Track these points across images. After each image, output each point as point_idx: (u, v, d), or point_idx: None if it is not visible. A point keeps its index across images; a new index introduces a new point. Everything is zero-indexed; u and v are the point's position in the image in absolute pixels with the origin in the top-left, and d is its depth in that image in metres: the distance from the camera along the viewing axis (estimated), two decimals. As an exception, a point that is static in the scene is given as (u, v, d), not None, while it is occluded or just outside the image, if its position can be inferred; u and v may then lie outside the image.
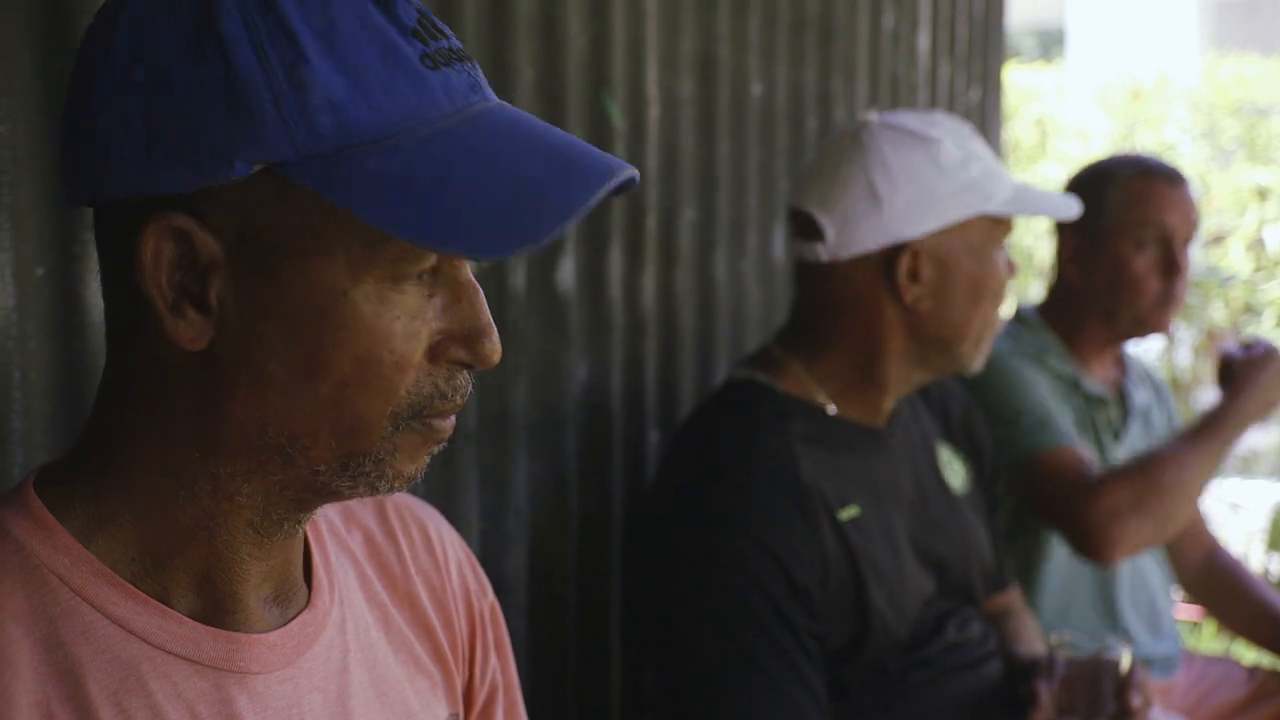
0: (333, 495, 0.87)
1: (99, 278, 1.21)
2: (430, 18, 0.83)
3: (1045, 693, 1.71)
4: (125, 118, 0.79)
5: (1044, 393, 2.28)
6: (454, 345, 0.85)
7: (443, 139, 0.80)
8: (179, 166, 0.78)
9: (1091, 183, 2.40)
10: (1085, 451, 2.22)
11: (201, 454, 0.84)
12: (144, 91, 0.79)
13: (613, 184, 0.81)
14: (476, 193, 0.78)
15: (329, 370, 0.81)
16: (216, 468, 0.84)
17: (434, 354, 0.84)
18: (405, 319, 0.82)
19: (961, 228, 1.74)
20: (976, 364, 1.80)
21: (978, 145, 1.78)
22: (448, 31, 0.84)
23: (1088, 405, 2.39)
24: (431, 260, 0.82)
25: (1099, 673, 1.71)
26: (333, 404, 0.82)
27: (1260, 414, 2.19)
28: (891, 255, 1.73)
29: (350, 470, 0.85)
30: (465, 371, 0.86)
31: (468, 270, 0.86)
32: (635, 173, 0.83)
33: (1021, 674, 1.81)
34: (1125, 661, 1.72)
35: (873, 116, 1.81)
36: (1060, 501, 2.14)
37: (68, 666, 0.81)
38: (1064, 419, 2.27)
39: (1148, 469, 2.11)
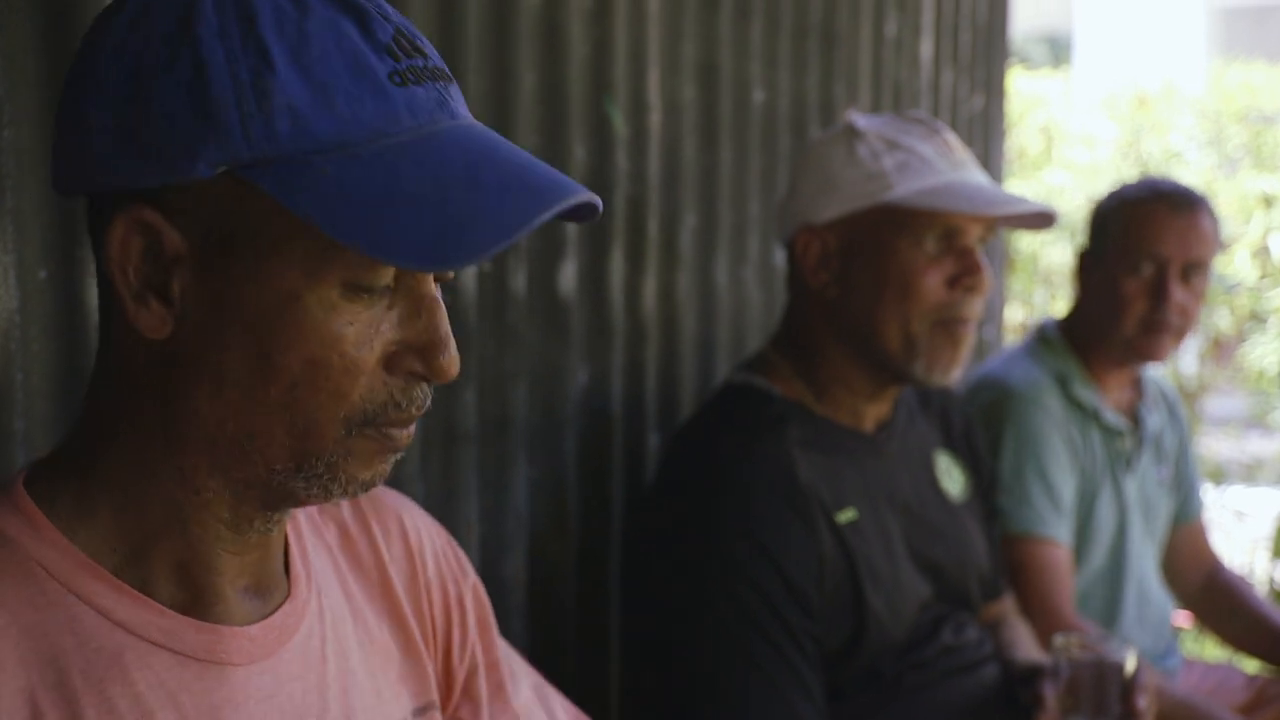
0: (292, 498, 0.89)
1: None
2: (409, 37, 0.86)
3: (1050, 695, 1.71)
4: (104, 112, 0.83)
5: (1059, 464, 2.30)
6: (410, 356, 0.87)
7: (396, 152, 0.82)
8: (145, 163, 0.82)
9: (1105, 203, 2.42)
10: (1068, 548, 2.29)
11: (167, 445, 0.87)
12: (123, 89, 0.82)
13: (560, 208, 0.83)
14: (419, 206, 0.80)
15: (280, 370, 0.84)
16: (181, 460, 0.87)
17: (390, 364, 0.87)
18: (358, 326, 0.84)
19: (867, 217, 1.74)
20: (930, 374, 1.75)
21: (921, 142, 1.76)
22: (427, 51, 0.87)
23: (1105, 437, 2.41)
24: (390, 273, 0.85)
25: (1104, 674, 1.71)
26: (285, 404, 0.84)
27: None
28: (796, 240, 1.80)
29: (304, 472, 0.87)
30: (423, 384, 0.88)
31: (430, 285, 0.88)
32: (593, 198, 0.85)
33: (1022, 679, 1.82)
34: (1130, 663, 1.72)
35: (848, 115, 1.84)
36: (1041, 595, 2.20)
37: (52, 655, 0.83)
38: (1066, 494, 2.30)
39: None
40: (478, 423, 1.75)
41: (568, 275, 1.90)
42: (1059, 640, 1.76)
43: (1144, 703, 1.70)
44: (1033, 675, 1.79)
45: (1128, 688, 1.71)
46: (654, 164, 2.10)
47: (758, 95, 2.40)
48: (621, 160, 2.01)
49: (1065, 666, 1.72)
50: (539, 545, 1.88)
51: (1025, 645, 1.99)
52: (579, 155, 1.91)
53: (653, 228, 2.11)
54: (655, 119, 2.09)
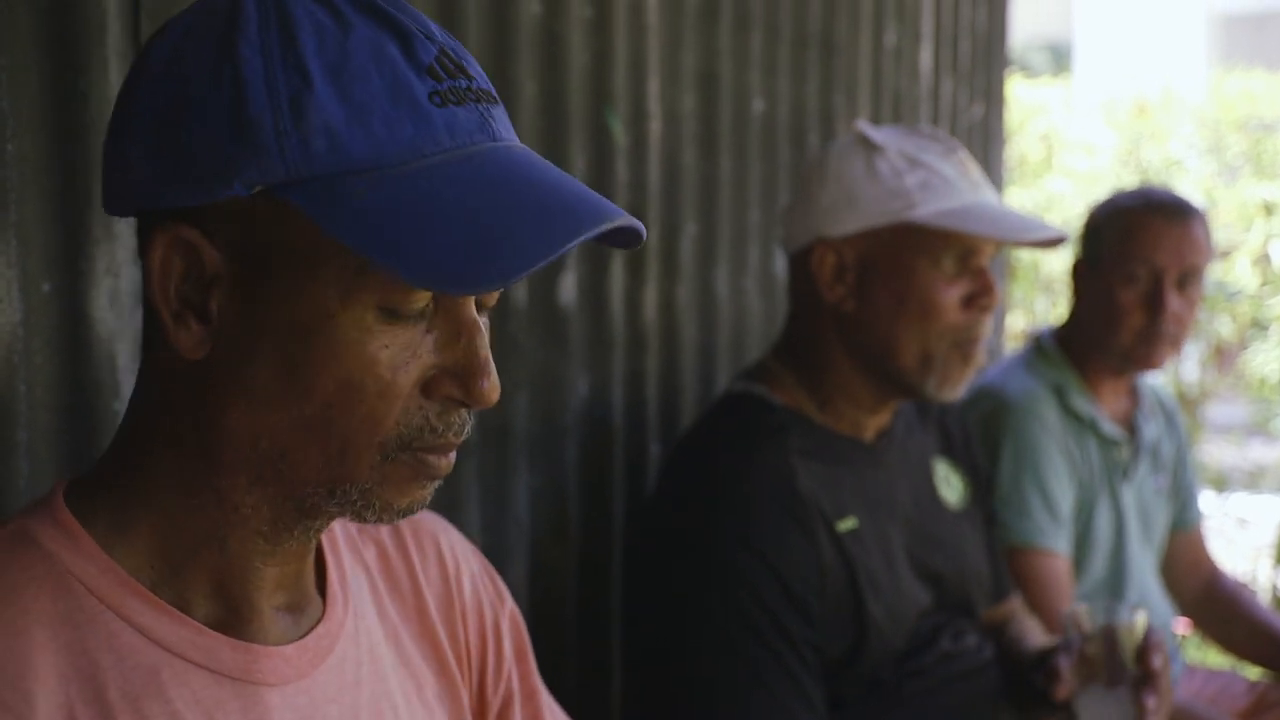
0: (327, 515, 0.89)
1: (104, 293, 1.23)
2: (453, 58, 0.85)
3: (1065, 666, 1.72)
4: (144, 130, 0.83)
5: (1057, 475, 2.31)
6: (448, 381, 0.86)
7: (431, 173, 0.81)
8: (181, 182, 0.82)
9: (1099, 213, 2.43)
10: (1067, 558, 2.30)
11: (206, 466, 0.87)
12: (164, 108, 0.83)
13: (595, 232, 0.81)
14: (450, 227, 0.79)
15: (313, 390, 0.83)
16: (219, 480, 0.87)
17: (428, 388, 0.86)
18: (394, 349, 0.83)
19: (887, 234, 1.75)
20: (940, 391, 1.76)
21: (940, 160, 1.76)
22: (473, 73, 0.86)
23: (1102, 447, 2.41)
24: (427, 296, 0.84)
25: (1115, 640, 1.72)
26: (319, 425, 0.84)
27: None
28: (811, 252, 1.78)
29: (337, 497, 0.87)
30: (462, 409, 0.87)
31: (470, 308, 0.87)
32: (634, 223, 0.84)
33: (1037, 664, 1.82)
34: (1140, 626, 1.73)
35: (857, 125, 1.84)
36: (1042, 606, 2.20)
37: (90, 671, 0.84)
38: (1065, 505, 2.31)
39: None
40: (479, 432, 1.75)
41: (568, 285, 1.90)
42: (1067, 612, 1.77)
43: (1159, 662, 1.71)
44: (1046, 658, 1.80)
45: (1141, 650, 1.72)
46: (654, 173, 2.11)
47: (757, 104, 2.41)
48: (621, 169, 2.02)
49: (1076, 638, 1.73)
50: (540, 554, 1.88)
51: (1036, 635, 2.00)
52: (579, 164, 1.92)
53: (653, 237, 2.11)
54: (655, 128, 2.10)
